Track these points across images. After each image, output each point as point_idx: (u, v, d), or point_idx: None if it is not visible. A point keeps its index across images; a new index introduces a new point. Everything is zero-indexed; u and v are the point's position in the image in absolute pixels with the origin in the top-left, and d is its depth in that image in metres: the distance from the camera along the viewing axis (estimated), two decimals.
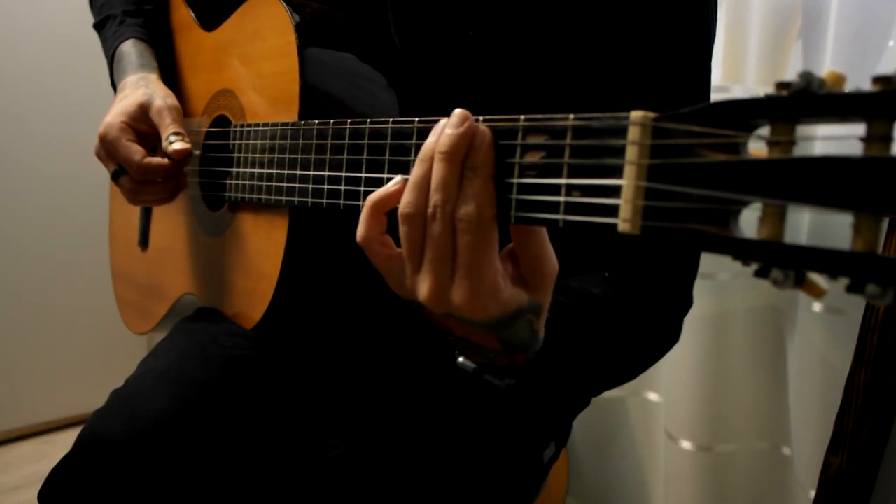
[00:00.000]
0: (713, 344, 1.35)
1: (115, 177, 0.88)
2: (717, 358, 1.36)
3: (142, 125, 0.89)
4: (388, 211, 0.53)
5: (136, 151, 0.85)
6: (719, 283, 1.35)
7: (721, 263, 1.34)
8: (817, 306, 1.19)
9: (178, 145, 0.84)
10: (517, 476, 0.88)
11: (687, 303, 0.79)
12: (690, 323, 1.33)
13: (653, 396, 1.52)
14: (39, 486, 0.75)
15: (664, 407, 1.46)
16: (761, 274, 0.32)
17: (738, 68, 1.31)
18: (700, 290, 1.33)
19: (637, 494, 1.58)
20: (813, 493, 1.12)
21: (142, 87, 0.92)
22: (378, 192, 0.53)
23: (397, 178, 0.53)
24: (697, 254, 0.77)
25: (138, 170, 0.85)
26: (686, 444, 1.39)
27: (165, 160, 0.85)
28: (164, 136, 0.86)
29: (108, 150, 0.87)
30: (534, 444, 0.90)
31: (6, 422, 2.09)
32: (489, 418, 0.85)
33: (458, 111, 0.48)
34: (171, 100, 0.90)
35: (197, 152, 0.93)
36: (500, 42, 0.77)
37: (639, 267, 0.75)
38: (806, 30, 1.22)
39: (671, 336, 0.79)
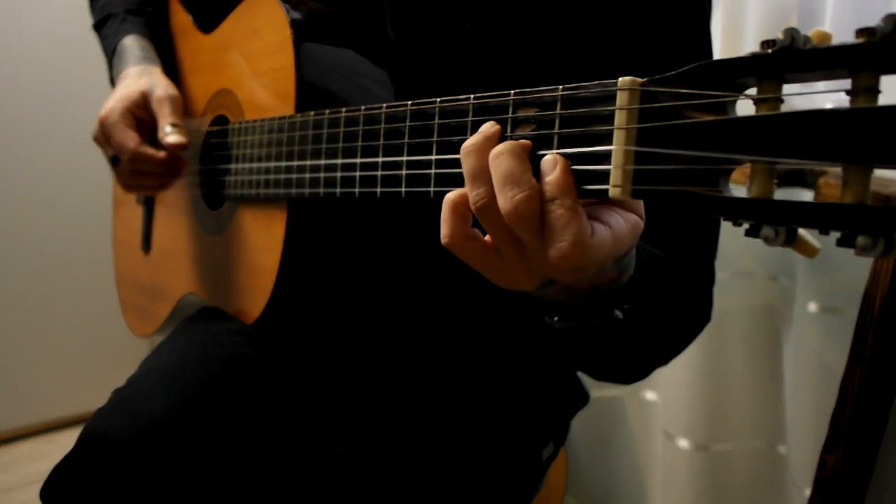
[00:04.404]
0: (710, 343, 1.35)
1: (114, 163, 0.89)
2: (714, 357, 1.36)
3: (142, 112, 0.89)
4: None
5: (130, 138, 0.85)
6: (716, 283, 1.35)
7: (718, 262, 1.34)
8: (813, 306, 1.18)
9: (172, 138, 0.84)
10: (516, 474, 0.89)
11: (711, 275, 0.78)
12: None
13: (650, 395, 1.52)
14: (40, 485, 0.74)
15: (662, 406, 1.46)
16: (752, 233, 0.33)
17: None
18: None
19: (635, 493, 1.58)
20: (808, 492, 1.11)
21: (145, 76, 0.92)
22: (457, 191, 0.49)
23: None
24: (717, 226, 0.77)
25: (130, 157, 0.85)
26: (683, 443, 1.38)
27: (158, 152, 0.85)
28: (160, 126, 0.86)
29: (106, 133, 0.88)
30: (533, 443, 0.90)
31: (6, 422, 2.09)
32: (489, 417, 0.85)
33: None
34: (173, 90, 0.90)
35: (196, 151, 0.93)
36: (498, 35, 0.77)
37: (665, 241, 0.72)
38: (802, 30, 1.22)
39: (706, 311, 0.77)
